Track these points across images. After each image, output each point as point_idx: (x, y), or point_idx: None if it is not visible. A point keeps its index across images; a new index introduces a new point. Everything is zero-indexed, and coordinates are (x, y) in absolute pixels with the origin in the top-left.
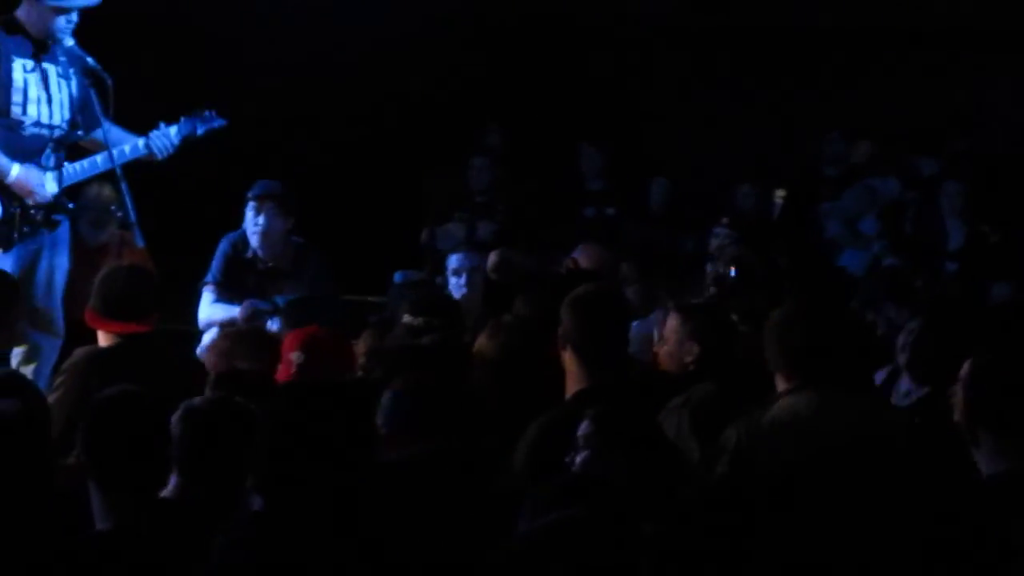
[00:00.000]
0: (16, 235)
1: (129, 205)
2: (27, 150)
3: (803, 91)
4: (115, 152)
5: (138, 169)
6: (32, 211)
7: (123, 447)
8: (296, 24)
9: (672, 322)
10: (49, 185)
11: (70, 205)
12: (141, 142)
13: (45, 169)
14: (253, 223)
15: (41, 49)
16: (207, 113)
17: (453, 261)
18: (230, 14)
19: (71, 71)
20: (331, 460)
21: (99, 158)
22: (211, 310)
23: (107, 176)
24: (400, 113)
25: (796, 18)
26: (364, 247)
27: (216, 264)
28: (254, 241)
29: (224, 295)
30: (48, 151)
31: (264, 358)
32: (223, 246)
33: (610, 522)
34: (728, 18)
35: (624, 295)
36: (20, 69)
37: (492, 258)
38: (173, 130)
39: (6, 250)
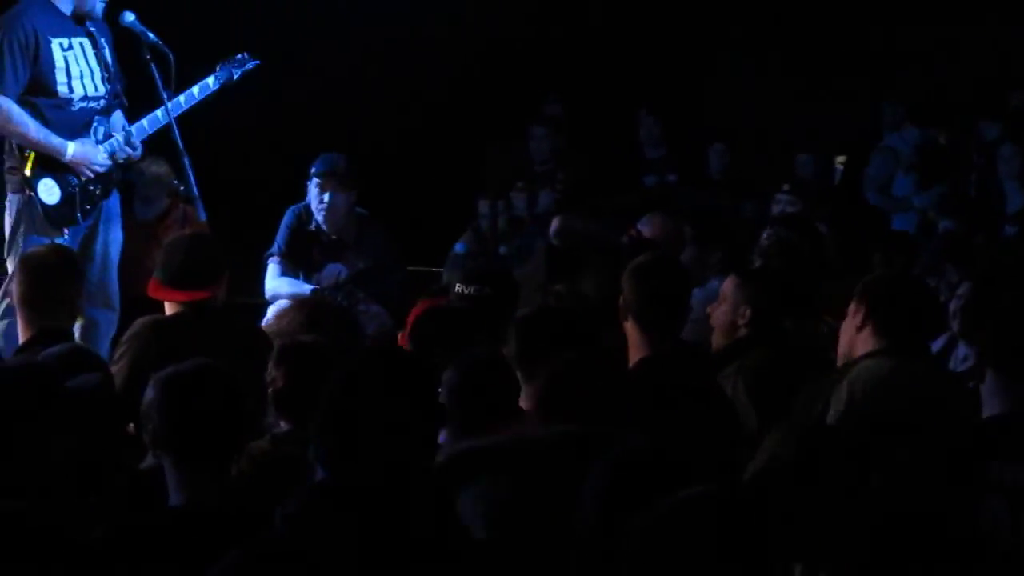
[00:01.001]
0: (79, 214)
1: (191, 179)
2: (76, 126)
3: (864, 55)
4: (159, 112)
5: (202, 141)
6: (91, 187)
7: (201, 421)
8: None
9: (730, 284)
10: (102, 156)
11: (127, 176)
12: (182, 97)
13: (96, 142)
14: (318, 200)
15: (73, 24)
16: (240, 56)
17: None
18: None
19: (102, 40)
20: (396, 433)
21: (159, 114)
22: (276, 282)
23: (165, 151)
24: (461, 84)
25: None
26: (427, 218)
27: (281, 236)
28: (319, 217)
29: (289, 267)
30: (95, 124)
31: (329, 331)
32: (287, 218)
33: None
34: None
35: (684, 264)
36: (58, 48)
37: (554, 224)
38: (211, 79)
39: (71, 227)
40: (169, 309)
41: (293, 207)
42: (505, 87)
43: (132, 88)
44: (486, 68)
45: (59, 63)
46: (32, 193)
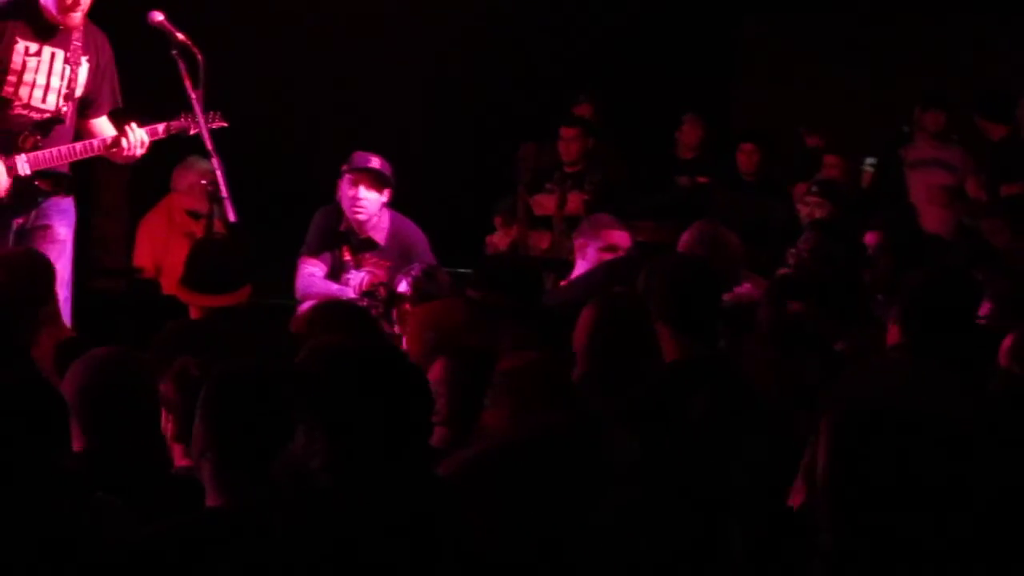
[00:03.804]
0: None
1: (220, 179)
2: (6, 131)
3: (895, 58)
4: (80, 145)
5: (231, 142)
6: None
7: (247, 422)
8: None
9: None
10: (21, 167)
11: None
12: (109, 139)
13: (21, 150)
14: (348, 196)
15: (50, 32)
16: (209, 114)
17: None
18: None
19: (84, 58)
20: (403, 434)
21: (76, 147)
22: (306, 283)
23: (202, 150)
24: (494, 83)
25: None
26: (459, 217)
27: (311, 237)
28: (350, 215)
29: (319, 267)
30: (26, 134)
31: (355, 331)
32: (318, 219)
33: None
34: None
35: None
36: (22, 51)
37: None
38: (162, 127)
39: None
40: (194, 313)
41: (323, 208)
42: (538, 86)
43: (159, 88)
44: (518, 67)
45: (15, 65)
46: None
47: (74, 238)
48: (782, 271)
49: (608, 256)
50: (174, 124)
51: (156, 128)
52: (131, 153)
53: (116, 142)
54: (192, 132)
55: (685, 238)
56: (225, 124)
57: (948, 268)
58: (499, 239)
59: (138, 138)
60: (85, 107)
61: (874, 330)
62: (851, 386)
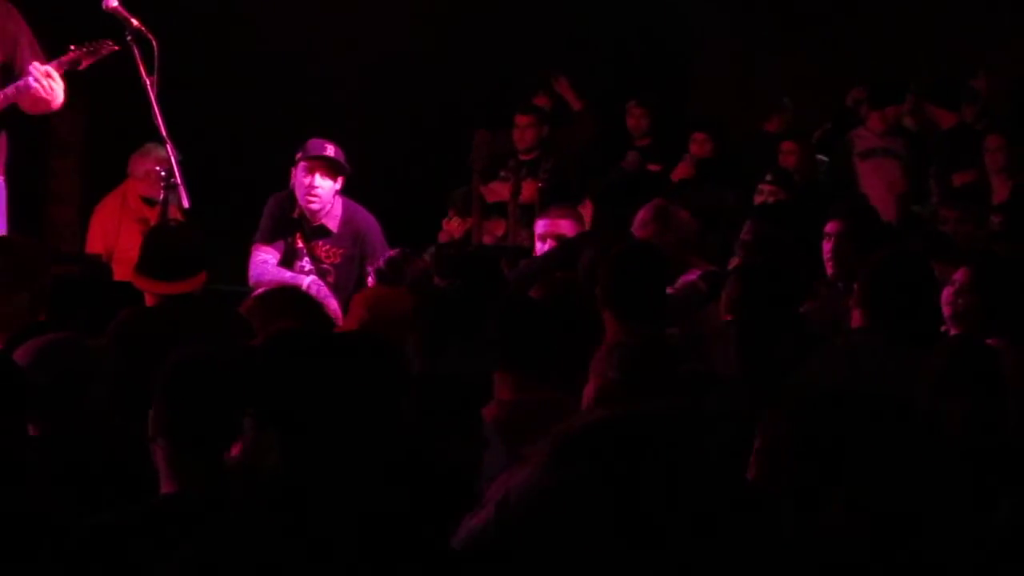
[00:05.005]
0: None
1: (175, 166)
2: None
3: (851, 46)
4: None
5: (185, 129)
6: None
7: (201, 408)
8: None
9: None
10: None
11: None
12: (22, 83)
13: None
14: (303, 185)
15: None
16: (95, 43)
17: (540, 227)
18: None
19: None
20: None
21: None
22: (259, 270)
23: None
24: (449, 69)
25: None
26: (413, 204)
27: (264, 223)
28: (304, 203)
29: (272, 254)
30: None
31: (305, 316)
32: (270, 205)
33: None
34: None
35: (661, 252)
36: None
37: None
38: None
39: None
40: (150, 300)
41: (276, 194)
42: (492, 73)
43: (117, 74)
44: (473, 53)
45: None
46: None
47: (8, 224)
48: (733, 260)
49: (548, 245)
50: (64, 59)
51: (52, 65)
52: (44, 94)
53: (26, 85)
54: (83, 66)
55: (640, 216)
56: (116, 48)
57: (907, 249)
58: (454, 226)
59: (42, 72)
60: (8, 75)
61: (834, 307)
62: (817, 370)
